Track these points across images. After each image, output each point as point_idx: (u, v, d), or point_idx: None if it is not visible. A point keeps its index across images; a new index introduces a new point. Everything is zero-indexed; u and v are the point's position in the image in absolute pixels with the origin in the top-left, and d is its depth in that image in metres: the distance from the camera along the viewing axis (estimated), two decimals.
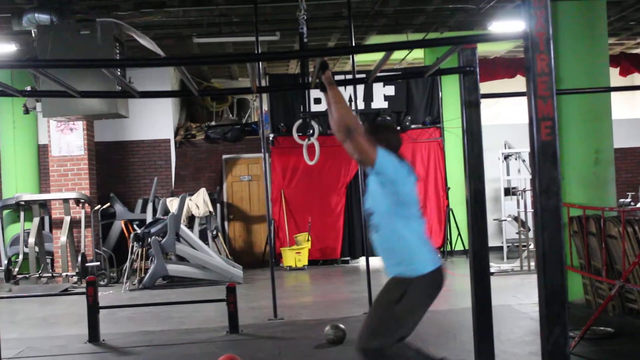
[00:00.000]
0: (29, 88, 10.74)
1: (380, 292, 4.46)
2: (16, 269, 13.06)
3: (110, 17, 10.29)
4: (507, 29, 13.15)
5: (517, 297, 9.88)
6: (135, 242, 12.65)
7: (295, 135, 10.92)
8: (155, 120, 15.93)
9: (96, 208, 13.76)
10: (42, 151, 15.08)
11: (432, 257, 4.38)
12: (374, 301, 4.54)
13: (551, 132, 3.75)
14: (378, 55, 15.68)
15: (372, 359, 4.28)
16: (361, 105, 14.55)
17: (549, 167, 3.74)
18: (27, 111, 12.58)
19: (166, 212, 13.50)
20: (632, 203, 14.70)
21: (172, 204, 13.62)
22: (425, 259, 4.32)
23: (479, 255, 5.05)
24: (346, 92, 14.66)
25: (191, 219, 14.24)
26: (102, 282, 12.64)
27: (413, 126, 15.15)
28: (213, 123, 16.81)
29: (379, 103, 15.13)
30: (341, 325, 7.60)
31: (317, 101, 14.58)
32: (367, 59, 16.84)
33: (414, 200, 4.45)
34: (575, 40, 9.13)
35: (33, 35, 10.45)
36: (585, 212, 8.36)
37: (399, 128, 14.98)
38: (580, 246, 8.66)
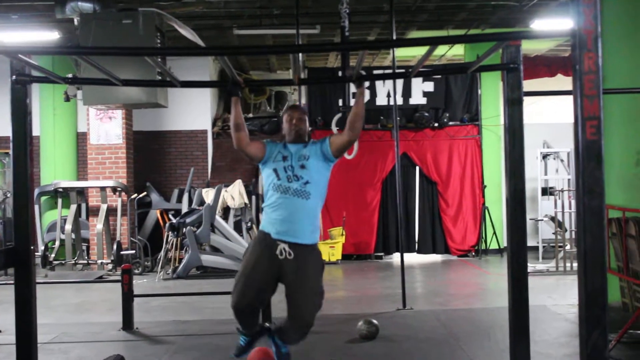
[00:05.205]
0: (70, 75, 10.83)
1: (314, 263, 5.16)
2: (52, 255, 13.26)
3: (152, 7, 10.32)
4: (549, 26, 13.00)
5: (553, 297, 9.79)
6: (170, 232, 12.72)
7: (334, 128, 10.89)
8: (193, 111, 16.01)
9: (132, 197, 13.88)
10: (81, 139, 15.19)
11: None
12: (308, 272, 5.12)
13: (596, 131, 3.68)
14: (417, 51, 15.80)
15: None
16: (400, 100, 14.47)
17: (594, 168, 3.67)
18: (67, 99, 12.71)
19: (202, 202, 13.55)
20: None
21: (208, 194, 13.67)
22: None
23: (517, 254, 4.97)
24: (385, 87, 14.67)
25: (226, 211, 14.23)
26: (136, 271, 12.74)
27: (451, 123, 15.05)
28: (250, 115, 16.84)
29: (417, 99, 15.05)
30: (374, 321, 7.59)
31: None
32: (406, 55, 16.76)
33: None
34: (619, 39, 8.90)
35: (75, 23, 10.53)
36: (625, 214, 8.24)
37: (436, 124, 14.92)
38: (619, 248, 8.54)
